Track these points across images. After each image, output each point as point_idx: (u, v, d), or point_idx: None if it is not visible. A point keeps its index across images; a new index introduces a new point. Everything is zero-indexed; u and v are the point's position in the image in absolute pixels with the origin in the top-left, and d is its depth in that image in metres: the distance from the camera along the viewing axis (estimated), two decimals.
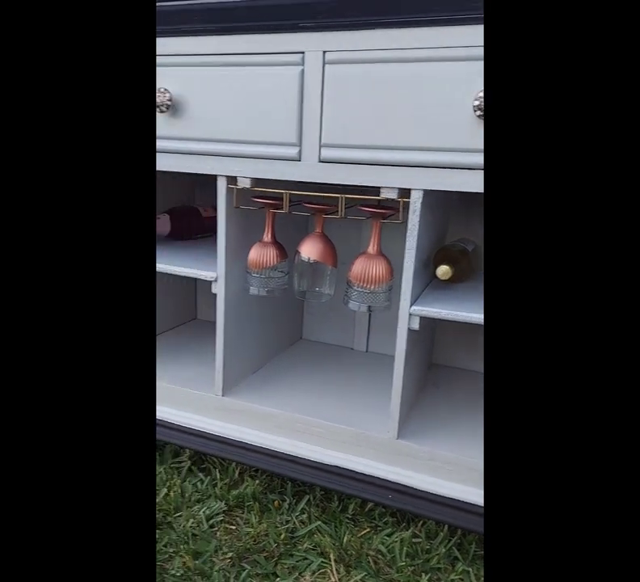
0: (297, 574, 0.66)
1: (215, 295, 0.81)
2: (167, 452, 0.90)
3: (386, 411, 0.75)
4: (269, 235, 0.79)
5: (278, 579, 0.65)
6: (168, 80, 0.72)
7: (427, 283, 0.79)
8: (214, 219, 1.14)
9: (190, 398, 0.87)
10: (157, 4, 0.67)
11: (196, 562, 0.67)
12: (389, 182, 0.65)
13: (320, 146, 0.67)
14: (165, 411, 0.88)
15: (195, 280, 1.24)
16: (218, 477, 0.84)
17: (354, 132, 0.65)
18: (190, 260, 0.87)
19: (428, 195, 0.65)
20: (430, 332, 1.00)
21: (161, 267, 0.83)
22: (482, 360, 1.02)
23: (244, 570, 0.66)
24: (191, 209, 1.09)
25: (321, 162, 0.68)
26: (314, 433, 0.79)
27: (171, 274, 0.84)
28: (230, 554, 0.68)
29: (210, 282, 0.80)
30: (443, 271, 0.73)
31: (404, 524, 0.75)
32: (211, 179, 1.07)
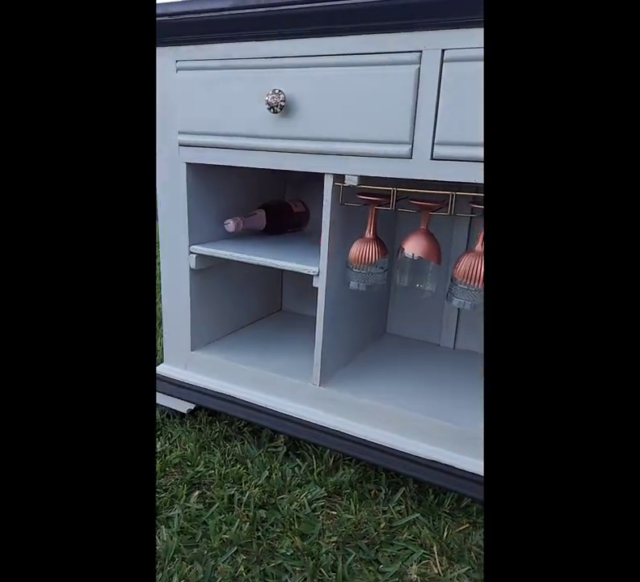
0: (400, 563, 0.68)
1: (315, 289, 0.84)
2: (263, 436, 0.95)
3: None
4: (371, 231, 0.81)
5: (381, 566, 0.68)
6: (282, 81, 0.74)
7: None
8: (303, 214, 1.17)
9: (288, 386, 0.90)
10: (275, 8, 0.69)
11: (304, 543, 0.70)
12: None
13: (433, 144, 0.67)
14: (264, 398, 0.92)
15: (281, 272, 1.28)
16: (314, 463, 0.87)
17: (470, 129, 0.64)
18: (289, 254, 0.90)
19: None
20: None
21: (264, 260, 0.87)
22: None
23: (350, 555, 0.69)
24: (284, 205, 1.12)
25: (433, 159, 0.68)
26: (411, 427, 0.80)
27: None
28: (334, 538, 0.71)
29: (307, 275, 0.83)
30: None
31: None
32: (303, 177, 1.10)
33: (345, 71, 0.70)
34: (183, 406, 0.99)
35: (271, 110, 0.75)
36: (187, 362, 1.00)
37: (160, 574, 0.65)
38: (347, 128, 0.72)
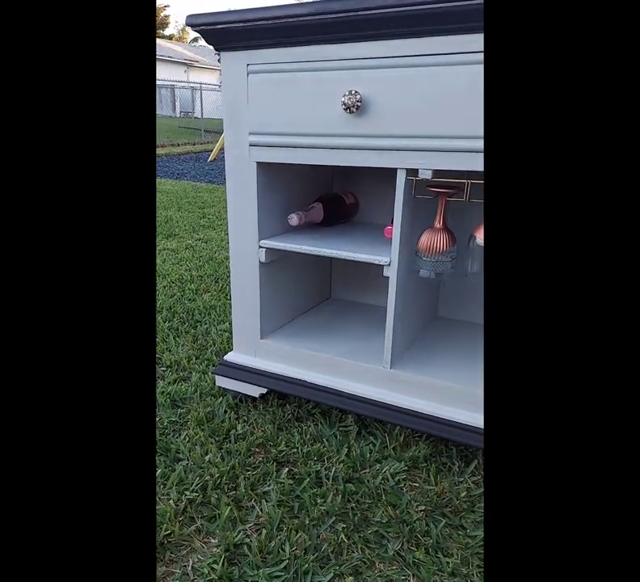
0: None
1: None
2: (333, 417, 1.01)
3: None
4: (441, 222, 0.85)
5: (468, 530, 0.74)
6: (358, 82, 0.78)
7: None
8: (354, 205, 1.22)
9: (359, 369, 0.96)
10: (353, 13, 0.73)
11: (396, 512, 0.77)
12: None
13: None
14: (334, 381, 0.98)
15: (330, 261, 1.33)
16: (387, 440, 0.93)
17: None
18: (353, 245, 0.95)
19: None
20: None
21: (337, 252, 0.91)
22: None
23: (439, 521, 0.75)
24: (338, 197, 1.17)
25: None
26: (477, 402, 0.86)
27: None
28: (422, 507, 0.78)
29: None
30: None
31: None
32: (349, 170, 1.14)
33: (420, 71, 0.74)
34: (256, 391, 1.05)
35: (348, 110, 0.79)
36: (256, 349, 1.06)
37: (272, 542, 0.71)
38: (421, 125, 0.76)
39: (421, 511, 0.77)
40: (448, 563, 0.68)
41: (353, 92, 0.78)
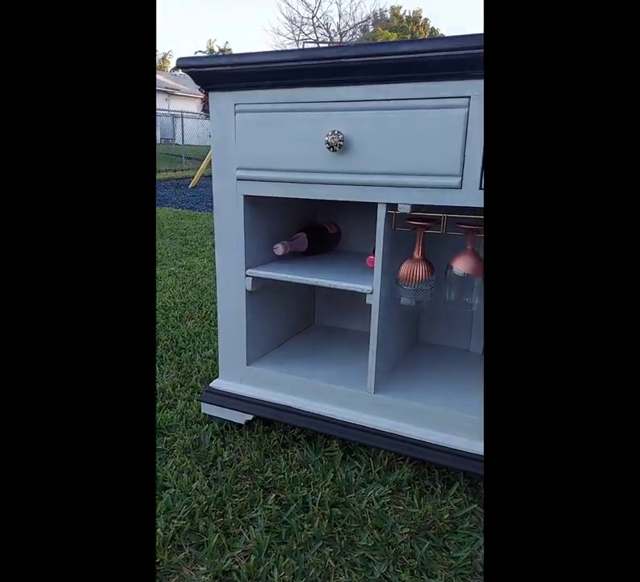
0: (468, 548, 0.76)
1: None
2: (318, 442, 1.03)
3: None
4: (420, 253, 0.90)
5: (451, 552, 0.76)
6: (340, 123, 0.84)
7: None
8: (336, 235, 1.27)
9: (344, 394, 0.98)
10: (336, 60, 0.79)
11: (382, 535, 0.78)
12: None
13: (482, 175, 0.77)
14: (320, 406, 1.00)
15: (314, 289, 1.37)
16: (372, 464, 0.95)
17: None
18: (336, 274, 0.99)
19: None
20: None
21: (321, 281, 0.95)
22: None
23: (423, 543, 0.77)
24: (321, 227, 1.21)
25: (481, 189, 0.78)
26: (462, 426, 0.89)
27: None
28: (407, 530, 0.80)
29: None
30: None
31: None
32: (331, 202, 1.19)
33: (400, 114, 0.80)
34: (241, 418, 1.06)
35: (331, 149, 0.84)
36: (242, 376, 1.08)
37: (261, 568, 0.72)
38: (401, 163, 0.82)
39: (406, 533, 0.79)
40: None
41: (336, 132, 0.83)
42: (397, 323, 1.07)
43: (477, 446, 0.87)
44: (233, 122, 0.93)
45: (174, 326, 1.64)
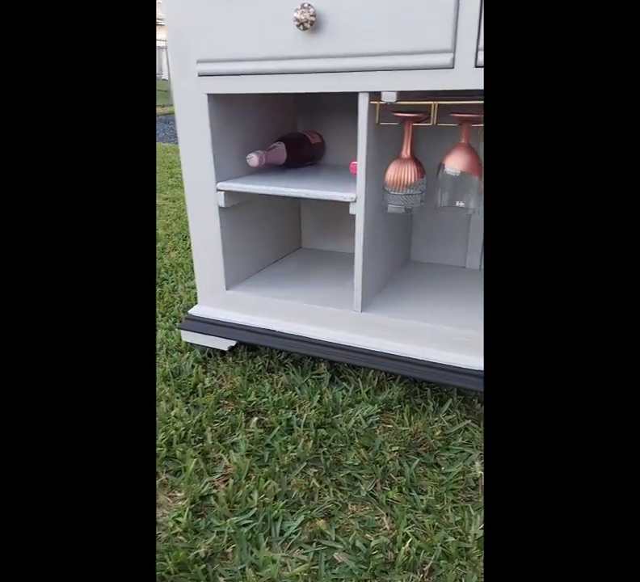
0: (461, 463, 0.73)
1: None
2: (306, 365, 0.98)
3: None
4: (408, 151, 0.80)
5: (442, 468, 0.73)
6: None
7: None
8: (320, 146, 1.15)
9: (329, 315, 0.92)
10: None
11: (369, 454, 0.74)
12: None
13: (477, 50, 0.65)
14: (305, 328, 0.94)
15: (299, 210, 1.27)
16: (361, 385, 0.91)
17: None
18: (318, 184, 0.89)
19: None
20: None
21: (298, 191, 0.85)
22: None
23: (413, 460, 0.73)
24: (301, 136, 1.09)
25: (477, 67, 0.66)
26: (452, 341, 0.83)
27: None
28: (396, 448, 0.76)
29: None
30: None
31: None
32: (314, 99, 1.06)
33: None
34: (224, 344, 1.01)
35: (301, 27, 0.71)
36: (222, 301, 1.01)
37: (240, 491, 0.69)
38: (382, 40, 0.69)
39: (394, 451, 0.75)
40: (422, 500, 0.66)
41: (305, 5, 0.70)
42: (386, 239, 0.99)
43: (470, 361, 0.82)
44: (188, 6, 0.79)
45: (157, 258, 1.56)
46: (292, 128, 1.16)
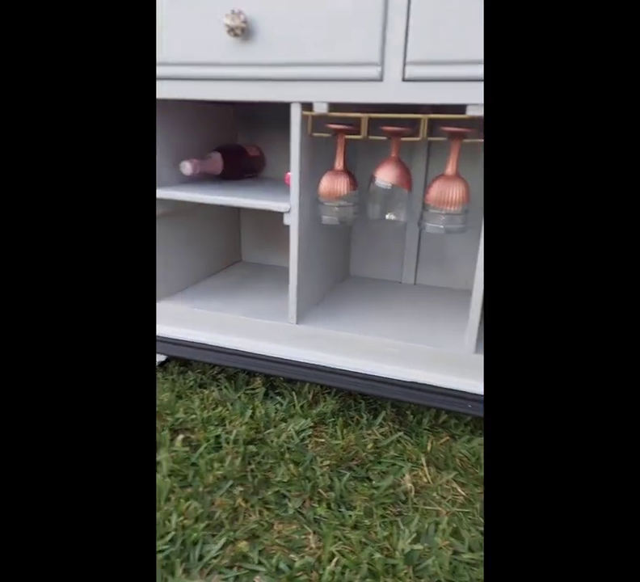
0: (392, 477, 0.71)
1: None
2: (240, 380, 0.95)
3: (454, 328, 0.80)
4: (341, 163, 0.80)
5: (374, 482, 0.71)
6: (243, 0, 0.70)
7: None
8: (259, 159, 1.14)
9: (263, 327, 0.90)
10: None
11: (299, 469, 0.72)
12: (477, 98, 0.65)
13: (404, 64, 0.67)
14: (238, 341, 0.91)
15: (239, 223, 1.25)
16: (295, 399, 0.88)
17: (441, 47, 0.64)
18: (253, 195, 0.88)
19: None
20: None
21: (230, 200, 0.84)
22: None
23: (343, 475, 0.71)
24: (239, 147, 1.08)
25: (405, 81, 0.67)
26: (389, 353, 0.83)
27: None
28: (327, 462, 0.73)
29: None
30: None
31: (479, 431, 0.80)
32: (255, 113, 1.06)
33: None
34: None
35: (231, 33, 0.71)
36: None
37: (157, 514, 0.64)
38: (313, 50, 0.70)
39: (326, 466, 0.73)
40: (350, 515, 0.64)
41: (236, 12, 0.70)
42: (323, 252, 0.98)
43: (404, 373, 0.81)
44: None
45: None
46: (232, 141, 1.15)
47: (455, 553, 0.59)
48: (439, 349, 0.80)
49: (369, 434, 0.80)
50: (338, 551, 0.59)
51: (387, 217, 0.80)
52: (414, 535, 0.61)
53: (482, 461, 0.74)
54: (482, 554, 0.59)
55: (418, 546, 0.59)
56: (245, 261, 1.29)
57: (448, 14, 0.63)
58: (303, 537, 0.62)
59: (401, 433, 0.80)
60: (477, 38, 0.62)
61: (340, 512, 0.65)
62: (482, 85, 0.64)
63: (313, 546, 0.60)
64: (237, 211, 1.23)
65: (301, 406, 0.86)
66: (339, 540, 0.61)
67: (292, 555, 0.59)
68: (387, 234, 1.13)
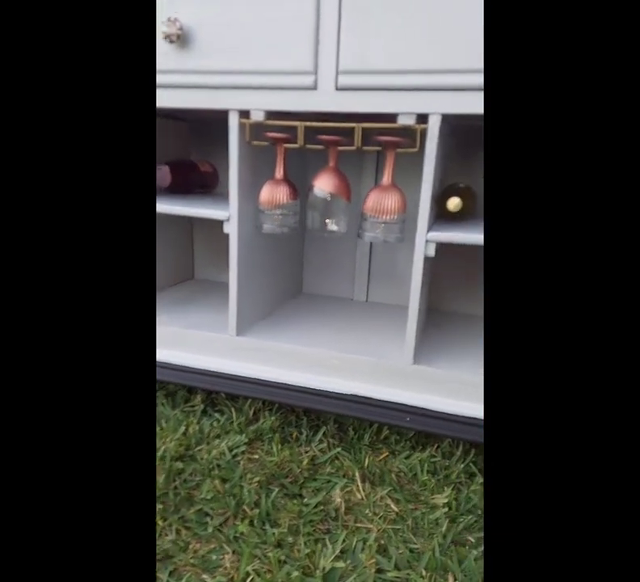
0: (324, 493, 0.68)
1: (227, 235, 0.81)
2: (179, 397, 0.91)
3: (397, 342, 0.78)
4: (281, 172, 0.80)
5: (305, 499, 0.67)
6: (179, 7, 0.71)
7: (433, 220, 0.81)
8: (211, 175, 1.14)
9: (202, 340, 0.87)
10: None
11: (225, 486, 0.68)
12: (407, 108, 0.66)
13: (337, 73, 0.68)
14: (174, 355, 0.87)
15: (192, 239, 1.24)
16: (234, 415, 0.85)
17: (372, 56, 0.65)
18: (198, 203, 0.87)
19: (442, 129, 0.67)
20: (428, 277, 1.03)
21: (169, 208, 0.83)
22: (479, 304, 1.06)
23: (273, 491, 0.67)
24: (189, 162, 1.08)
25: (338, 90, 0.68)
26: (330, 366, 0.80)
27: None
28: (257, 479, 0.69)
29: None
30: (454, 203, 0.75)
31: (420, 447, 0.78)
32: (208, 130, 1.06)
33: None
34: None
35: (168, 40, 0.71)
36: None
37: None
38: (249, 58, 0.70)
39: (255, 482, 0.69)
40: (273, 533, 0.60)
41: (172, 19, 0.70)
42: (269, 266, 0.97)
43: (347, 386, 0.79)
44: None
45: None
46: (185, 158, 1.15)
47: (379, 571, 0.55)
48: (379, 360, 0.78)
49: (307, 451, 0.77)
50: (254, 571, 0.54)
51: (328, 227, 0.80)
52: (339, 553, 0.57)
53: (419, 476, 0.71)
54: (408, 572, 0.55)
55: (341, 564, 0.55)
56: (197, 278, 1.27)
57: (378, 25, 0.64)
58: (220, 556, 0.57)
59: (339, 449, 0.76)
60: (406, 47, 0.64)
61: (263, 529, 0.61)
62: (411, 94, 0.66)
63: (228, 566, 0.56)
64: (190, 226, 1.22)
65: (239, 423, 0.82)
66: (258, 559, 0.56)
67: (204, 576, 0.54)
68: (339, 251, 1.13)
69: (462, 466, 0.72)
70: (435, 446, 0.77)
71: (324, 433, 0.80)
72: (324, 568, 0.55)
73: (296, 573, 0.54)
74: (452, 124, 0.78)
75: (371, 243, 1.09)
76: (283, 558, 0.56)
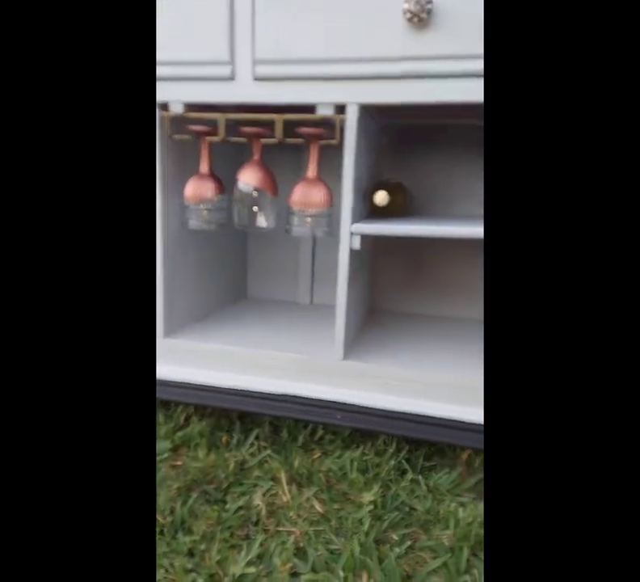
0: (248, 497, 0.64)
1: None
2: None
3: (331, 339, 0.76)
4: (206, 167, 0.78)
5: (227, 505, 0.63)
6: None
7: (364, 216, 0.80)
8: None
9: None
10: None
11: None
12: (324, 98, 0.65)
13: (254, 63, 0.67)
14: None
15: None
16: (163, 422, 0.81)
17: (288, 45, 0.65)
18: None
19: (361, 121, 0.67)
20: (368, 275, 1.02)
21: None
22: (426, 304, 1.05)
23: (190, 498, 0.63)
24: None
25: (256, 80, 0.67)
26: (262, 365, 0.78)
27: None
28: (176, 485, 0.66)
29: None
30: (381, 196, 0.74)
31: (354, 446, 0.75)
32: None
33: None
34: None
35: None
36: None
37: None
38: (166, 48, 0.69)
39: (173, 490, 0.65)
40: (185, 542, 0.56)
41: None
42: (206, 267, 0.94)
43: (277, 385, 0.76)
44: None
45: None
46: None
47: (294, 574, 0.52)
48: (309, 357, 0.75)
49: (235, 455, 0.73)
50: (157, 581, 0.50)
51: (256, 223, 0.78)
52: (254, 558, 0.54)
53: (349, 475, 0.68)
54: (325, 574, 0.52)
55: (252, 570, 0.52)
56: None
57: (294, 13, 0.64)
58: None
59: (268, 452, 0.73)
60: (323, 36, 0.63)
61: (175, 538, 0.57)
62: (328, 83, 0.65)
63: None
64: None
65: (167, 430, 0.78)
66: (164, 568, 0.52)
67: None
68: (282, 254, 1.11)
69: (393, 462, 0.70)
70: (370, 444, 0.75)
71: (256, 436, 0.77)
72: (234, 575, 0.51)
73: (200, 581, 0.50)
74: (380, 121, 0.78)
75: (313, 244, 1.08)
76: (191, 566, 0.52)
